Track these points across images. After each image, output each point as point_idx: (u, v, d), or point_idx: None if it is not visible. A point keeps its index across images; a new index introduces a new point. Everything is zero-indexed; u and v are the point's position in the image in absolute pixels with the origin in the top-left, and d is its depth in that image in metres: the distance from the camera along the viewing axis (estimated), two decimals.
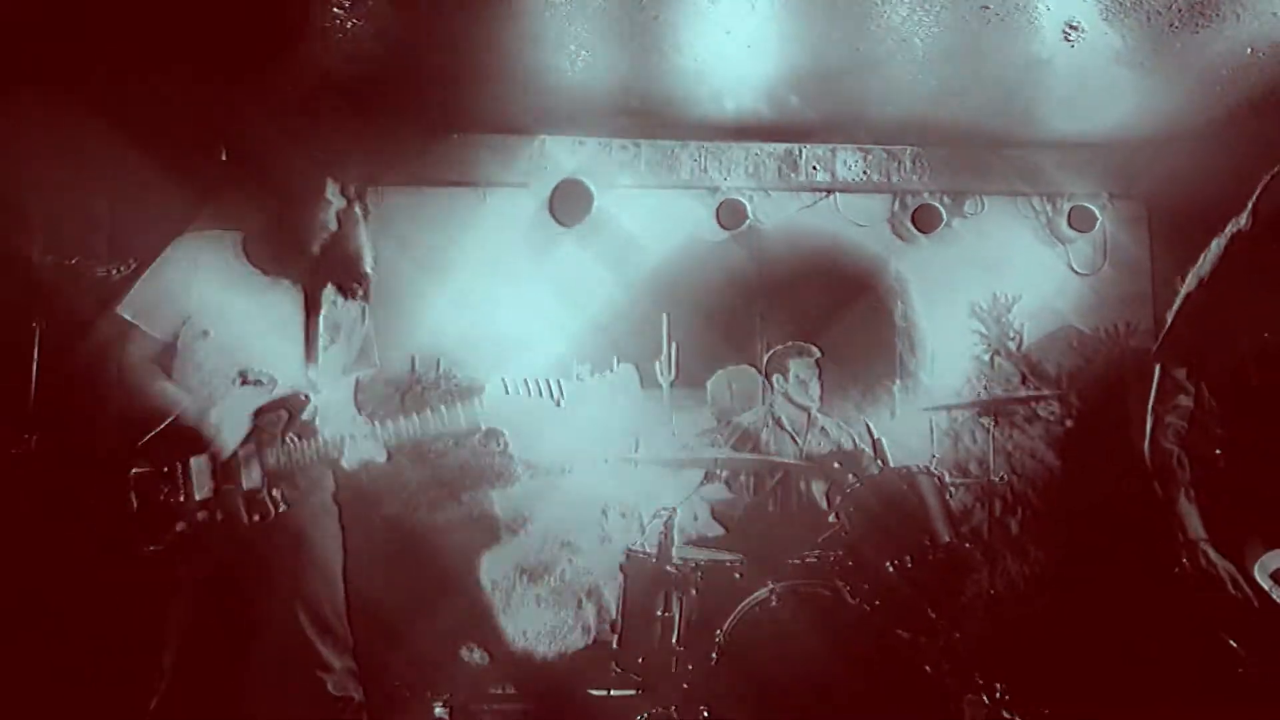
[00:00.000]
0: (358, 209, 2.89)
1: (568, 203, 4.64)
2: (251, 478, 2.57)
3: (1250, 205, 2.83)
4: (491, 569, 4.66)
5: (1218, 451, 2.85)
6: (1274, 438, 2.74)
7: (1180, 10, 3.42)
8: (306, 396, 2.67)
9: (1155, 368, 2.92)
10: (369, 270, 2.87)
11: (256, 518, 2.55)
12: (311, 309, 2.78)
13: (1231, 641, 2.72)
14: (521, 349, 4.66)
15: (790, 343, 4.52)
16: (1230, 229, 2.88)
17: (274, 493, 2.58)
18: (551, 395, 2.76)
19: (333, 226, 2.78)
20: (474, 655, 4.54)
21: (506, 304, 4.69)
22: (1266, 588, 2.65)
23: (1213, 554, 2.74)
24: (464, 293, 4.69)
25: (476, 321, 4.68)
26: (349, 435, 2.64)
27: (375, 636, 3.93)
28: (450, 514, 4.62)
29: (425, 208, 4.78)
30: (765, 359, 4.62)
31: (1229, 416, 2.83)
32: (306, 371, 2.73)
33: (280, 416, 2.63)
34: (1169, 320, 2.92)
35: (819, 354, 4.45)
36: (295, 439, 2.62)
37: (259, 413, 2.61)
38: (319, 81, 3.96)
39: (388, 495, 4.50)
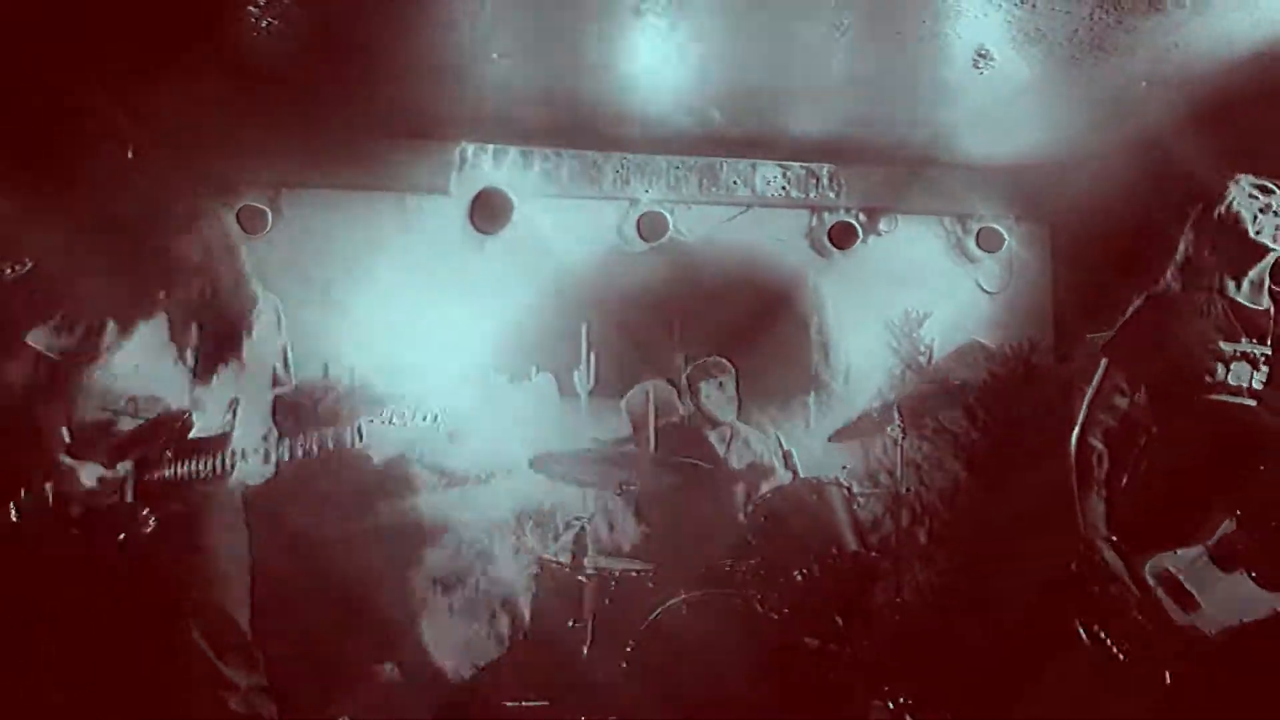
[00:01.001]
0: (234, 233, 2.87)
1: (488, 211, 4.63)
2: (126, 496, 2.55)
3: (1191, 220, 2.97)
4: (406, 580, 4.59)
5: (1141, 451, 2.99)
6: (1196, 452, 2.87)
7: (1081, 43, 3.58)
8: (188, 417, 2.64)
9: (1100, 364, 3.02)
10: (251, 314, 2.81)
11: (122, 536, 2.52)
12: (183, 333, 2.73)
13: (1103, 636, 2.84)
14: (439, 357, 4.62)
15: (708, 357, 4.56)
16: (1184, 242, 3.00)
17: (144, 513, 2.55)
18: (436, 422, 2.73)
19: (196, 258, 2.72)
20: (386, 669, 4.47)
21: (424, 312, 4.63)
22: (1152, 584, 2.78)
23: (1108, 553, 2.87)
24: (381, 300, 4.62)
25: (393, 329, 4.61)
26: (239, 451, 2.60)
27: (285, 653, 3.86)
28: (364, 525, 4.54)
29: (342, 212, 4.71)
30: (685, 371, 4.66)
31: (1157, 422, 2.95)
32: (192, 391, 2.69)
33: (158, 436, 2.61)
34: (1122, 319, 3.03)
35: (735, 369, 4.50)
36: (175, 458, 2.59)
37: (136, 434, 2.59)
38: (233, 82, 3.87)
39: (300, 506, 4.39)
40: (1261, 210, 2.83)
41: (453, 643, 4.55)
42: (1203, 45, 3.50)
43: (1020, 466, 5.01)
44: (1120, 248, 4.25)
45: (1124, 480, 2.96)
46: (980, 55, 3.75)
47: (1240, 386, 2.88)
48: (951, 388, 4.85)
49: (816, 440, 4.82)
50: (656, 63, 3.85)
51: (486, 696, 4.16)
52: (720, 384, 4.44)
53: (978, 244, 5.13)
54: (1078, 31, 3.46)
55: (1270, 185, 2.85)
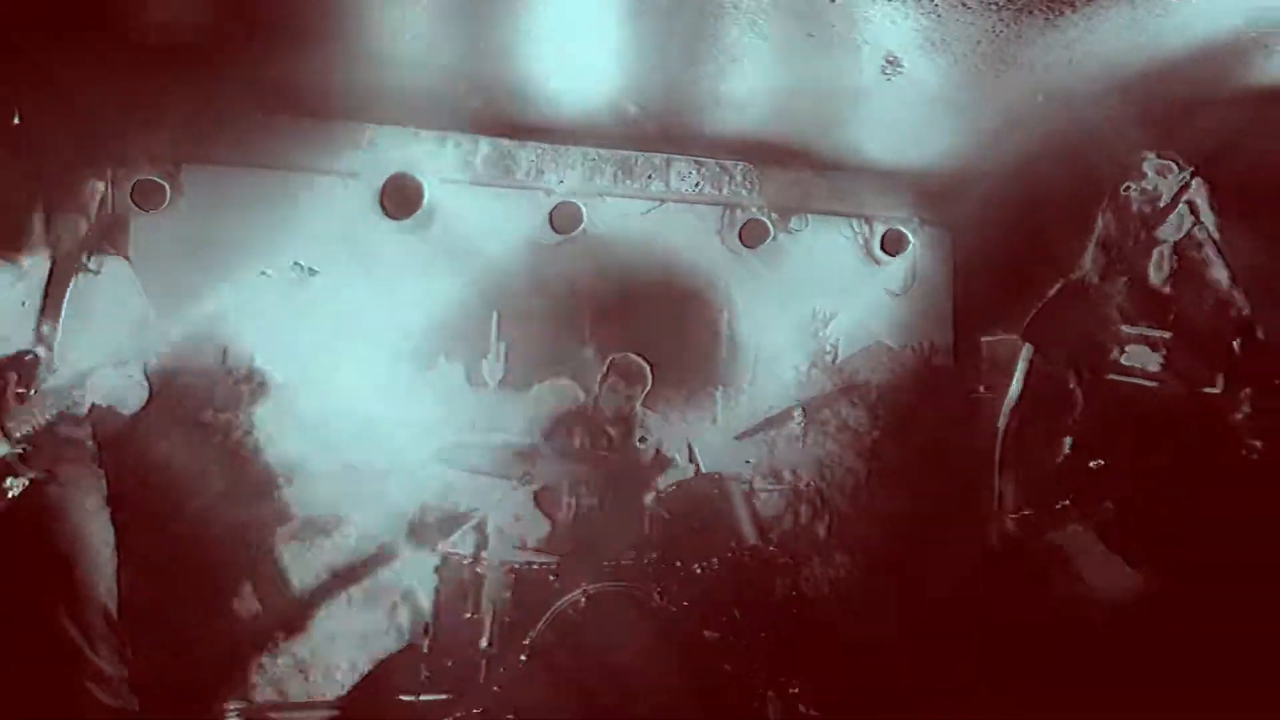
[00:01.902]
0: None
1: (398, 196, 4.53)
2: None
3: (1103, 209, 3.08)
4: (302, 571, 4.48)
5: (1061, 437, 3.10)
6: (1098, 434, 2.98)
7: (984, 54, 3.69)
8: (35, 356, 2.64)
9: (1023, 349, 3.13)
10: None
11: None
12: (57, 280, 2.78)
13: (1007, 602, 2.96)
14: (343, 344, 4.52)
15: (621, 354, 4.56)
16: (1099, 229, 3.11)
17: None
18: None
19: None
20: (277, 660, 4.36)
21: (329, 297, 4.50)
22: (1045, 558, 2.89)
23: (1015, 528, 2.99)
24: (283, 283, 4.48)
25: (296, 314, 4.48)
26: (94, 369, 2.63)
27: (165, 641, 3.74)
28: (256, 513, 4.41)
29: (245, 191, 4.55)
30: (601, 368, 4.65)
31: (1073, 406, 3.07)
32: (41, 329, 2.71)
33: (8, 378, 2.59)
34: (1042, 302, 3.14)
35: (648, 366, 4.51)
36: (27, 393, 2.59)
37: None
38: (132, 50, 3.71)
39: (189, 493, 4.25)
40: (1154, 191, 2.96)
41: (350, 635, 4.46)
42: (1094, 63, 3.64)
43: (919, 463, 5.18)
44: (1018, 254, 4.41)
45: (1035, 458, 3.08)
46: (889, 62, 3.84)
47: (1135, 368, 3.01)
48: (855, 386, 4.97)
49: (723, 435, 4.88)
50: (574, 54, 3.83)
51: (384, 690, 4.11)
52: (631, 381, 4.44)
53: (883, 246, 5.26)
54: (980, 43, 3.57)
55: (1173, 164, 2.98)
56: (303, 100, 4.42)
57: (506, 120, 4.60)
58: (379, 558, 4.51)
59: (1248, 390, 2.86)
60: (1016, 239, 4.53)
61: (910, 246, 5.27)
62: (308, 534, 4.47)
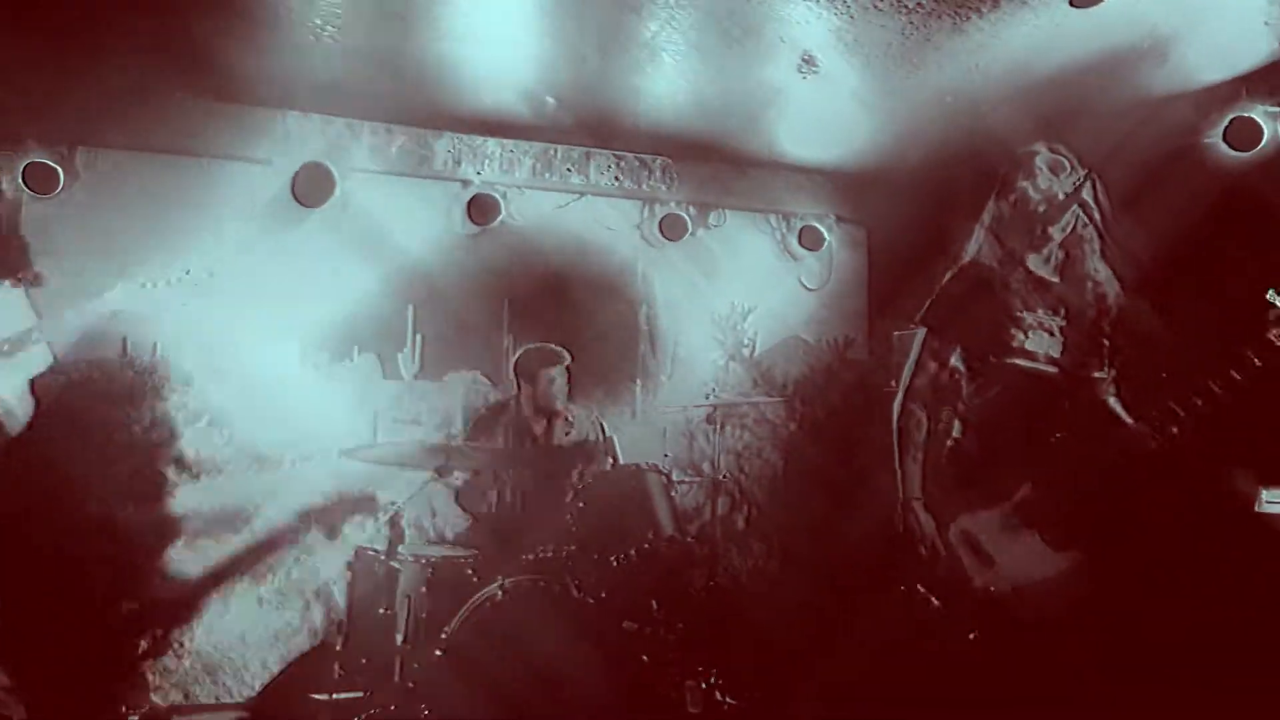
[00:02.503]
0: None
1: (311, 185, 4.43)
2: None
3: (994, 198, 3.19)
4: (209, 569, 4.35)
5: (956, 421, 3.21)
6: (1001, 419, 3.10)
7: (895, 56, 3.78)
8: None
9: (917, 335, 3.22)
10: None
11: None
12: None
13: (920, 588, 3.07)
14: (254, 335, 4.40)
15: (542, 345, 4.54)
16: (987, 217, 3.23)
17: None
18: None
19: None
20: (183, 662, 4.23)
21: (239, 286, 4.39)
22: (954, 543, 3.01)
23: (922, 514, 3.10)
24: (189, 272, 4.34)
25: (203, 304, 4.35)
26: None
27: (52, 649, 3.59)
28: (161, 511, 4.26)
29: (147, 177, 4.37)
30: (515, 358, 4.62)
31: (970, 391, 3.18)
32: None
33: None
34: (936, 291, 3.25)
35: (569, 359, 4.50)
36: None
37: None
38: (23, 27, 3.54)
39: (89, 491, 4.08)
40: (1050, 189, 3.09)
41: (260, 634, 4.35)
42: (998, 67, 3.77)
43: (834, 455, 5.29)
44: (929, 250, 4.54)
45: (938, 443, 3.19)
46: (805, 61, 3.90)
47: (1038, 353, 3.14)
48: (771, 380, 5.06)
49: (641, 428, 4.90)
50: (490, 41, 3.79)
51: (297, 690, 4.02)
52: (552, 375, 4.43)
53: (800, 242, 5.36)
54: (891, 45, 3.66)
55: (1064, 161, 3.11)
56: (211, 84, 4.27)
57: (422, 110, 4.53)
58: (272, 543, 4.39)
59: (1113, 372, 3.02)
60: (928, 236, 4.65)
61: (827, 243, 5.38)
62: (215, 529, 4.34)
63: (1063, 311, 3.15)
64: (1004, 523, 3.00)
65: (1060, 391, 3.12)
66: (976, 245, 3.28)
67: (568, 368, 4.48)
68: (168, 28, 3.66)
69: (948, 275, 3.33)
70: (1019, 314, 3.14)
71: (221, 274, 4.39)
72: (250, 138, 4.50)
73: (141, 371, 4.24)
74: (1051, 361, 3.16)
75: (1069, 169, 3.11)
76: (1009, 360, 3.16)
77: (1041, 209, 3.09)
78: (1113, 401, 3.04)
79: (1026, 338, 3.15)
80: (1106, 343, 3.10)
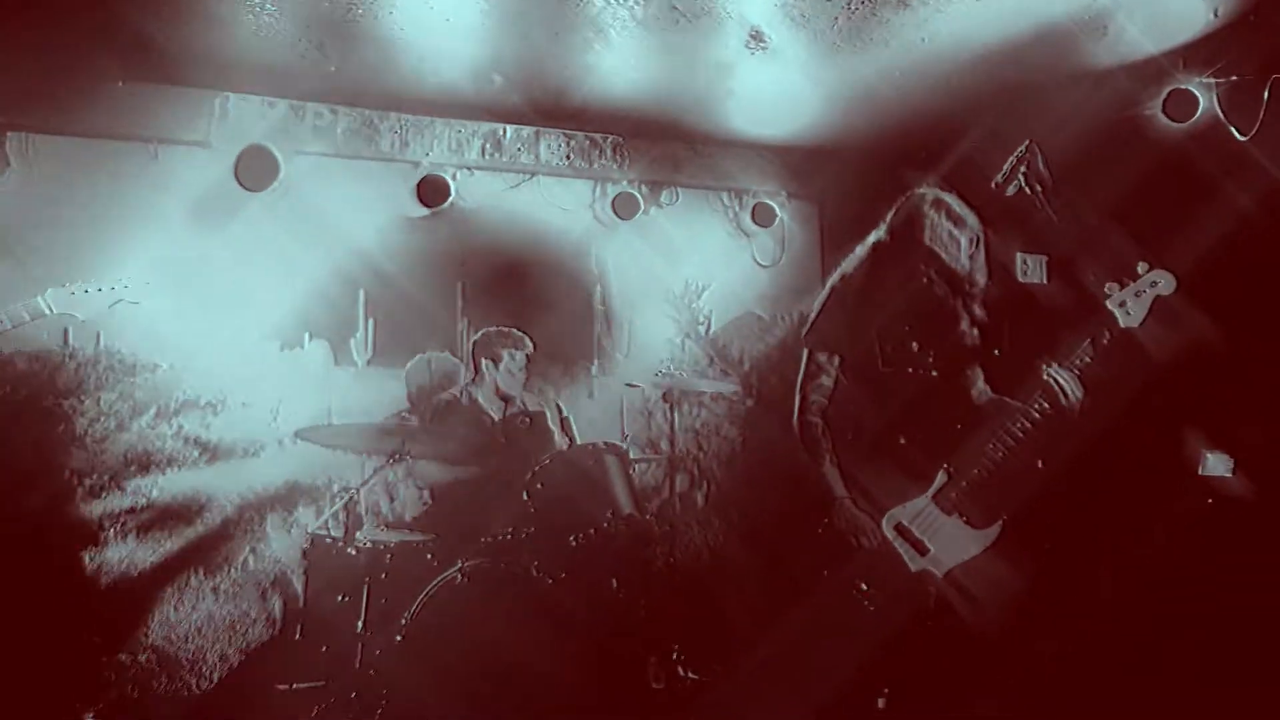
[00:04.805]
0: None
1: (254, 168, 4.33)
2: None
3: (887, 220, 3.37)
4: (162, 561, 4.27)
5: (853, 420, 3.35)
6: (897, 417, 3.24)
7: (842, 31, 3.79)
8: None
9: (803, 351, 3.38)
10: None
11: None
12: None
13: (862, 584, 3.18)
14: (201, 323, 4.32)
15: (503, 329, 4.50)
16: (871, 238, 3.41)
17: None
18: None
19: None
20: (140, 657, 4.16)
21: (183, 274, 4.29)
22: (890, 538, 3.14)
23: (852, 509, 3.23)
24: (131, 259, 4.23)
25: (148, 291, 4.24)
26: None
27: (6, 645, 3.51)
28: (110, 505, 4.17)
29: (85, 162, 4.26)
30: (472, 341, 4.59)
31: (860, 395, 3.33)
32: None
33: None
34: (815, 309, 3.41)
35: (533, 348, 4.47)
36: None
37: None
38: None
39: (34, 485, 3.98)
40: (938, 226, 3.29)
41: (217, 626, 4.29)
42: (944, 42, 3.80)
43: (789, 432, 5.33)
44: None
45: (846, 446, 3.36)
46: (753, 37, 3.90)
47: (918, 359, 3.31)
48: (727, 357, 5.09)
49: (598, 407, 4.90)
50: (434, 20, 3.73)
51: (257, 680, 3.98)
52: (514, 360, 4.40)
53: (753, 219, 5.38)
54: (838, 20, 3.67)
55: (956, 210, 3.30)
56: (149, 65, 4.15)
57: (366, 90, 4.45)
58: (226, 533, 4.32)
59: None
60: (879, 211, 4.70)
61: (779, 219, 5.40)
62: (167, 521, 4.26)
63: (937, 313, 3.33)
64: (928, 511, 3.16)
65: (945, 390, 3.30)
66: (862, 258, 3.47)
67: (528, 356, 4.45)
68: (103, 6, 3.55)
69: (828, 286, 3.51)
70: (898, 325, 3.32)
71: (164, 260, 4.28)
72: (190, 121, 4.40)
73: (85, 363, 4.14)
74: (933, 367, 3.34)
75: (967, 222, 3.31)
76: (891, 369, 3.34)
77: (925, 232, 3.29)
78: (983, 385, 3.25)
79: (905, 347, 3.32)
80: (975, 331, 3.28)
